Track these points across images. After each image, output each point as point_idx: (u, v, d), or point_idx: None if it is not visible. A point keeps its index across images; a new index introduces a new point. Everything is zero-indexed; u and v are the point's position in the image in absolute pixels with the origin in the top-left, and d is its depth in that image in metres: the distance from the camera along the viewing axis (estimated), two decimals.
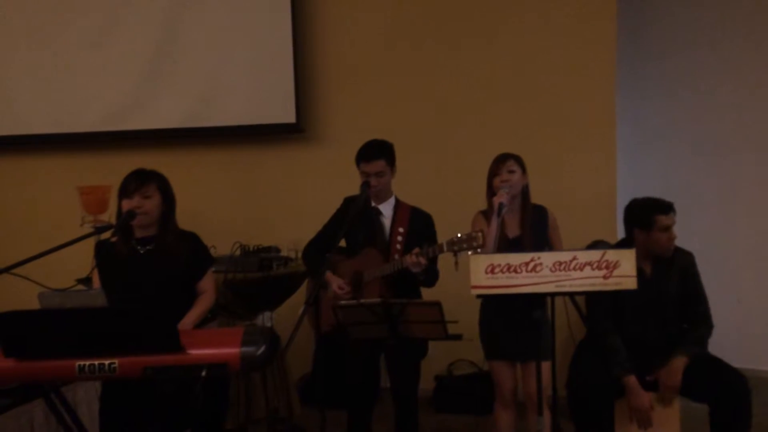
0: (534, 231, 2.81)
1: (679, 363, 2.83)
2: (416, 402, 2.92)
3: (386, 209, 2.93)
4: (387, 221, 2.92)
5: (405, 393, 2.89)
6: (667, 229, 2.88)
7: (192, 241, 2.64)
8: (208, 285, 2.65)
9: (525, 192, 2.85)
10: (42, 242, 2.44)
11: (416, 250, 2.66)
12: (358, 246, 2.92)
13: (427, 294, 2.89)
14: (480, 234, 2.52)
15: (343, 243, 3.00)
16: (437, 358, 4.12)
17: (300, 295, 3.60)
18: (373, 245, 2.88)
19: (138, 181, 2.54)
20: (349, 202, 2.98)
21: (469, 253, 2.48)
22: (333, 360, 3.65)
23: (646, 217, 2.90)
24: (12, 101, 4.65)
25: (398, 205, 2.95)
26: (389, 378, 2.93)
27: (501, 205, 2.66)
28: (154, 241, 2.56)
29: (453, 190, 4.08)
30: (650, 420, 2.82)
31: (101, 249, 2.60)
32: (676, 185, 4.45)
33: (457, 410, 3.97)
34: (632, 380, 2.83)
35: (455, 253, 2.55)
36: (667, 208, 2.90)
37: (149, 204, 2.53)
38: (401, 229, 2.87)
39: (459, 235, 2.56)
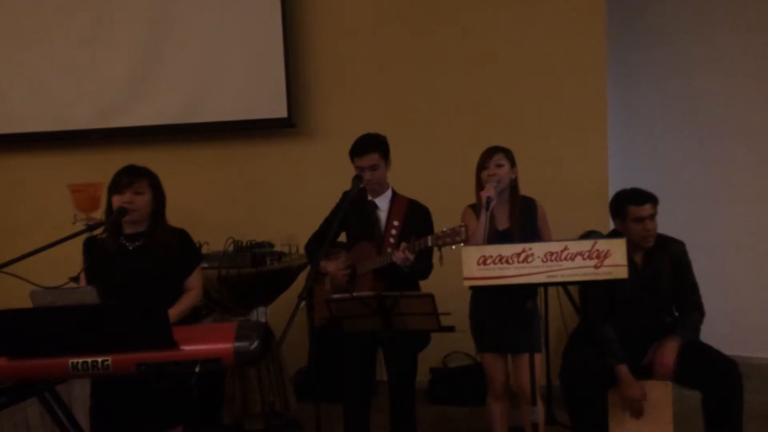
0: (523, 223, 2.82)
1: (675, 343, 2.85)
2: (414, 394, 2.94)
3: (382, 203, 2.93)
4: (383, 214, 2.92)
5: (402, 385, 2.90)
6: (640, 220, 2.88)
7: (181, 237, 2.63)
8: (195, 282, 2.64)
9: (514, 185, 2.85)
10: (34, 240, 2.44)
11: (403, 245, 2.66)
12: (354, 240, 2.93)
13: (421, 286, 2.90)
14: (464, 228, 2.53)
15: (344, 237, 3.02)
16: (432, 351, 4.11)
17: (294, 290, 3.61)
18: (368, 239, 2.88)
19: (129, 177, 2.53)
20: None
21: (453, 247, 2.49)
22: (328, 354, 3.65)
23: (619, 208, 2.94)
24: (2, 99, 4.63)
25: (395, 198, 2.95)
26: (386, 370, 2.94)
27: (488, 199, 2.67)
28: (144, 237, 2.56)
29: (446, 182, 4.07)
30: (642, 409, 2.84)
31: (90, 245, 2.59)
32: (668, 173, 4.47)
33: (452, 402, 3.98)
34: (624, 370, 2.85)
35: (440, 248, 2.56)
36: (641, 199, 2.88)
37: (140, 200, 2.52)
38: (396, 223, 2.88)
39: (444, 229, 2.57)
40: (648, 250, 2.96)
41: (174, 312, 2.47)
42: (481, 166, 2.83)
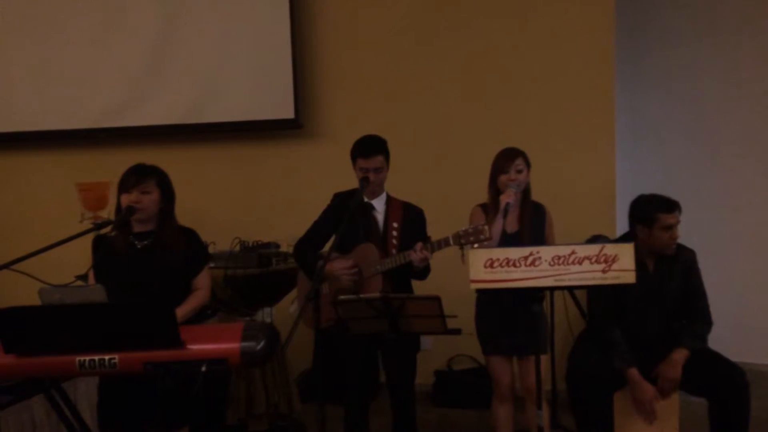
0: (532, 227, 2.81)
1: (680, 356, 2.83)
2: (413, 395, 2.93)
3: (379, 204, 2.93)
4: (380, 216, 2.92)
5: (402, 387, 2.89)
6: (669, 227, 2.84)
7: (189, 237, 2.64)
8: (202, 282, 2.64)
9: (526, 188, 2.84)
10: (42, 239, 2.45)
11: (419, 245, 2.65)
12: (351, 242, 2.88)
13: (426, 288, 2.89)
14: (486, 227, 2.52)
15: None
16: (437, 353, 4.14)
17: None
18: (369, 241, 2.87)
19: (137, 176, 2.54)
20: (339, 198, 2.97)
21: (476, 246, 2.47)
22: (333, 356, 3.64)
23: (648, 214, 2.86)
24: (11, 98, 4.64)
25: (390, 201, 2.95)
26: (385, 372, 2.94)
27: (508, 204, 2.66)
28: (152, 236, 2.57)
29: (451, 185, 4.08)
30: (654, 412, 2.81)
31: (99, 244, 2.60)
32: (675, 178, 4.46)
33: (456, 405, 3.98)
34: (635, 372, 2.83)
35: (462, 247, 2.55)
36: (671, 206, 2.85)
37: (147, 199, 2.53)
38: (395, 224, 2.87)
39: (465, 228, 2.56)
40: (661, 256, 2.93)
41: (181, 311, 2.47)
42: (500, 169, 2.79)
